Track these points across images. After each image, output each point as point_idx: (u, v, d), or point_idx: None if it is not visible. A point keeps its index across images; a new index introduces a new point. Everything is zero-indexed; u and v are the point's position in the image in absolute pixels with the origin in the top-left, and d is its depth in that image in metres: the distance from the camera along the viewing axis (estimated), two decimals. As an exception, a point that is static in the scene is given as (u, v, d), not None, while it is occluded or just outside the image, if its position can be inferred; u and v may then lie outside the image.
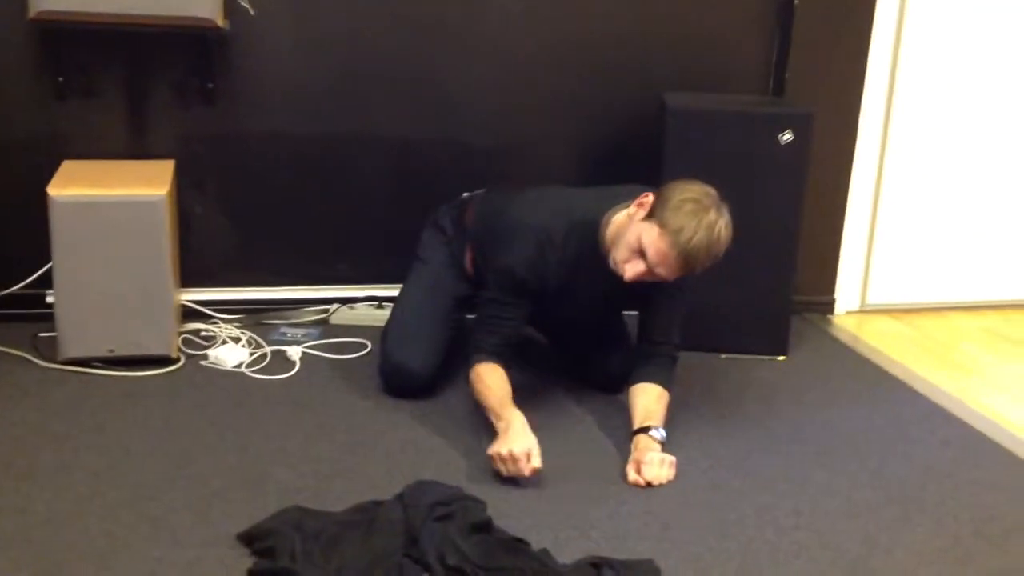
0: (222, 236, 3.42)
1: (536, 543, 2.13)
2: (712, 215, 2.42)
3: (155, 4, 2.92)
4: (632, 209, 2.55)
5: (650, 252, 2.45)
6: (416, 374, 2.86)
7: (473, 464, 2.51)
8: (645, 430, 2.58)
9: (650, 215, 2.47)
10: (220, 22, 3.03)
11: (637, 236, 2.48)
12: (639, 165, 3.29)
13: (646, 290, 2.68)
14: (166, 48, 3.19)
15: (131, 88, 3.22)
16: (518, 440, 2.43)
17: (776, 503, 2.41)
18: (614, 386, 2.95)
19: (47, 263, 2.92)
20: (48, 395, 2.77)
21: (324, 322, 3.43)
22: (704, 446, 2.68)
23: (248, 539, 2.10)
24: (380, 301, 3.51)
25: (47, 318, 2.99)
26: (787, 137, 3.15)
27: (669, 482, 2.47)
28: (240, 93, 3.30)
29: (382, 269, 3.54)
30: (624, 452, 2.60)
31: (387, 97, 3.40)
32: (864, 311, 3.96)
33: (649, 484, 2.45)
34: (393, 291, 3.48)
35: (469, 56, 3.43)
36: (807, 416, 2.93)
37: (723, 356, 3.32)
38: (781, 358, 3.34)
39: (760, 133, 3.17)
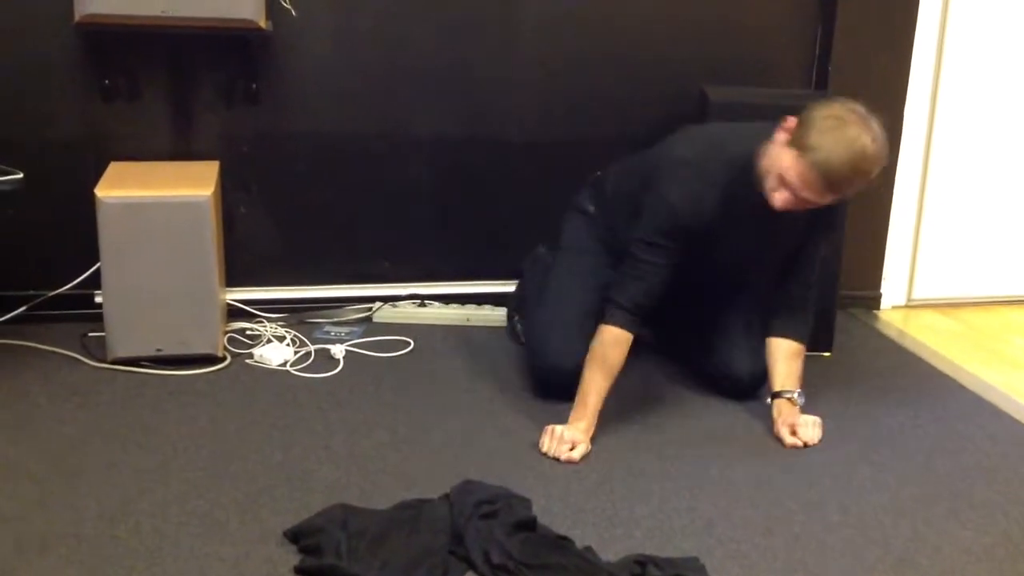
0: (266, 235, 3.44)
1: (580, 541, 2.13)
2: (853, 131, 2.34)
3: (198, 6, 2.94)
4: (778, 134, 2.47)
5: (791, 176, 2.39)
6: (574, 371, 2.69)
7: (518, 463, 2.51)
8: (781, 394, 2.69)
9: (791, 139, 2.42)
10: (263, 23, 3.05)
11: (780, 162, 2.42)
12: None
13: (803, 231, 2.68)
14: (210, 50, 3.22)
15: (175, 90, 3.25)
16: (575, 433, 2.51)
17: (822, 499, 2.40)
18: (741, 390, 2.90)
19: (95, 264, 2.96)
20: (97, 394, 2.81)
21: (367, 320, 3.45)
22: (751, 443, 2.66)
23: (294, 536, 2.12)
24: (423, 299, 3.52)
25: (95, 318, 3.03)
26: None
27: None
28: (283, 93, 3.32)
29: (425, 267, 3.55)
30: (671, 451, 2.60)
31: (428, 95, 3.41)
32: (910, 306, 3.92)
33: (805, 445, 2.60)
34: (436, 289, 3.53)
35: (508, 53, 3.43)
36: (853, 412, 2.90)
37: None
38: (827, 354, 3.32)
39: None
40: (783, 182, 2.43)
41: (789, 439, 2.60)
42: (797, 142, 2.39)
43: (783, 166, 2.41)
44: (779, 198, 2.45)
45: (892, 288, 3.88)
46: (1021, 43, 3.74)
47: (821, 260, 2.79)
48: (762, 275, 2.87)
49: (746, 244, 2.72)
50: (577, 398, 2.60)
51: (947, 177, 3.81)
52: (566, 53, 3.46)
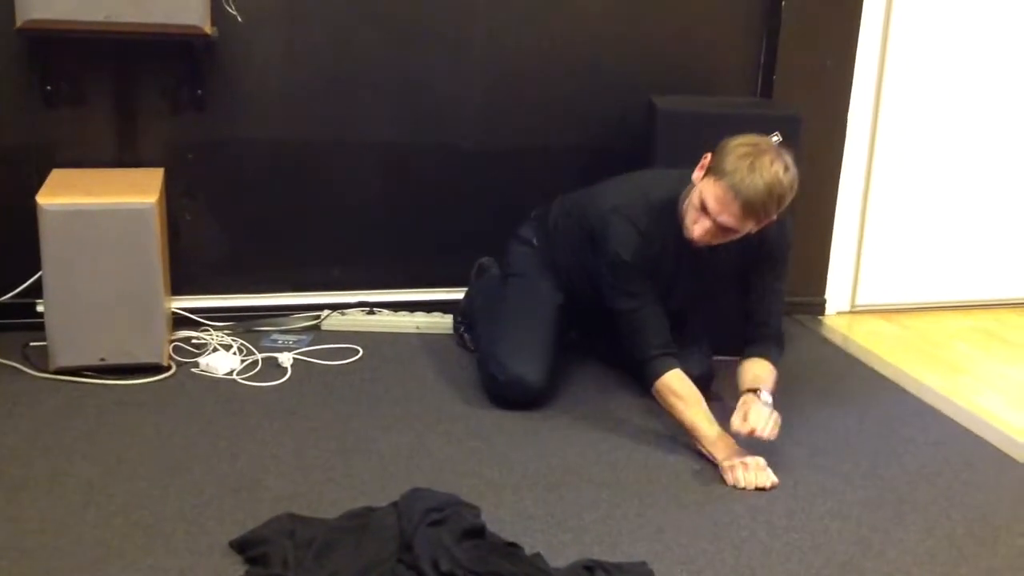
0: (212, 243, 3.42)
1: (529, 547, 2.13)
2: (767, 157, 2.43)
3: (143, 12, 2.92)
4: (695, 173, 2.56)
5: (710, 203, 2.47)
6: (535, 385, 2.85)
7: (467, 471, 2.51)
8: (753, 391, 2.63)
9: (709, 171, 2.50)
10: (208, 29, 3.03)
11: (699, 194, 2.51)
12: (629, 168, 3.30)
13: (737, 268, 2.74)
14: (154, 56, 3.19)
15: (120, 96, 3.22)
16: (756, 458, 2.52)
17: (768, 504, 2.42)
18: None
19: (37, 272, 2.92)
20: (39, 404, 2.76)
21: (315, 328, 3.43)
22: (695, 448, 2.68)
23: (240, 547, 2.10)
24: (371, 307, 3.51)
25: (38, 327, 2.99)
26: (775, 139, 3.15)
27: (771, 439, 2.55)
28: (229, 100, 3.29)
29: (373, 275, 3.54)
30: (619, 457, 2.62)
31: (376, 102, 3.40)
32: (854, 312, 3.97)
33: (752, 432, 2.51)
34: (383, 296, 3.52)
35: (457, 61, 3.43)
36: (798, 417, 2.93)
37: (714, 358, 3.31)
38: (772, 359, 3.34)
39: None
40: (703, 209, 2.51)
41: (736, 424, 2.56)
42: (714, 170, 2.47)
43: (703, 195, 2.49)
44: (698, 229, 2.53)
45: (836, 294, 3.92)
46: (963, 53, 3.80)
47: (780, 292, 2.81)
48: (706, 306, 2.97)
49: (679, 283, 2.79)
50: (692, 427, 2.63)
51: (890, 184, 3.87)
52: (516, 62, 3.47)
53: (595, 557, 2.12)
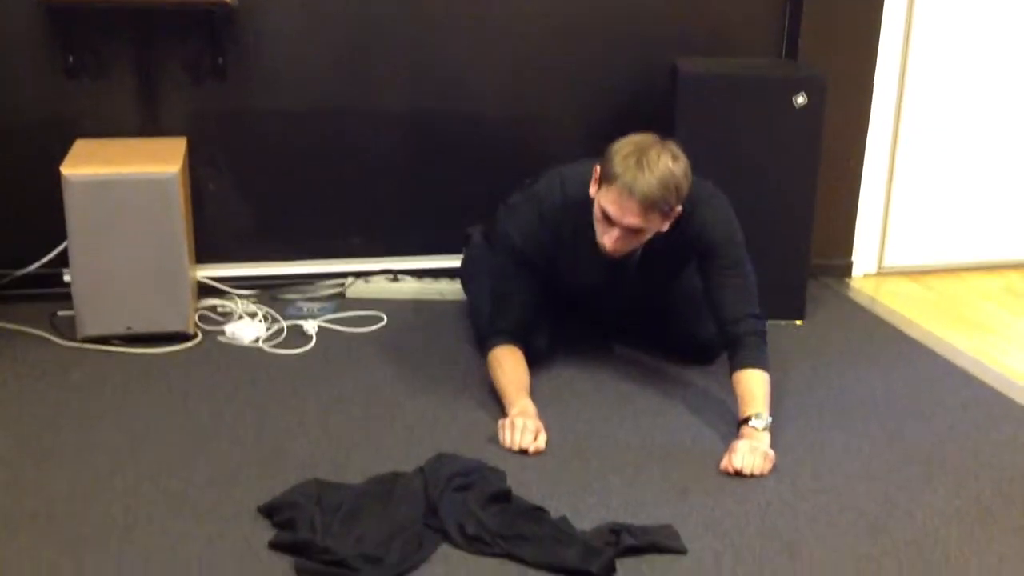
0: (236, 212, 3.42)
1: (555, 511, 2.14)
2: (653, 151, 2.44)
3: (163, -19, 2.92)
4: (591, 188, 2.56)
5: (610, 210, 2.47)
6: (542, 351, 2.87)
7: (492, 436, 2.51)
8: (745, 420, 2.47)
9: (602, 181, 2.50)
10: (228, -3, 3.03)
11: (599, 206, 2.51)
12: (652, 132, 3.29)
13: (681, 259, 2.73)
14: (175, 25, 3.18)
15: (141, 66, 3.22)
16: (531, 421, 2.47)
17: (795, 466, 2.41)
18: (706, 351, 2.92)
19: (63, 242, 2.93)
20: (67, 373, 2.79)
21: (340, 296, 3.43)
22: (722, 411, 2.67)
23: (268, 512, 2.11)
24: (395, 274, 3.51)
25: (65, 297, 3.01)
26: (801, 100, 3.12)
27: (763, 474, 2.35)
28: (250, 68, 3.29)
29: (396, 242, 3.54)
30: (644, 421, 2.62)
31: (396, 70, 3.39)
32: (881, 273, 3.94)
33: (739, 472, 2.35)
34: (407, 263, 3.51)
35: (477, 28, 3.40)
36: (825, 379, 2.92)
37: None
38: (799, 322, 3.33)
39: (774, 97, 3.14)
40: (606, 219, 2.50)
41: (724, 465, 2.38)
42: (605, 178, 2.47)
43: (603, 205, 2.49)
44: (608, 240, 2.52)
45: (863, 256, 3.89)
46: (992, 9, 3.74)
47: (739, 284, 2.64)
48: (668, 292, 2.96)
49: (608, 281, 2.78)
50: (502, 394, 2.62)
51: (917, 145, 3.83)
52: (538, 27, 3.44)
53: (621, 520, 2.12)
